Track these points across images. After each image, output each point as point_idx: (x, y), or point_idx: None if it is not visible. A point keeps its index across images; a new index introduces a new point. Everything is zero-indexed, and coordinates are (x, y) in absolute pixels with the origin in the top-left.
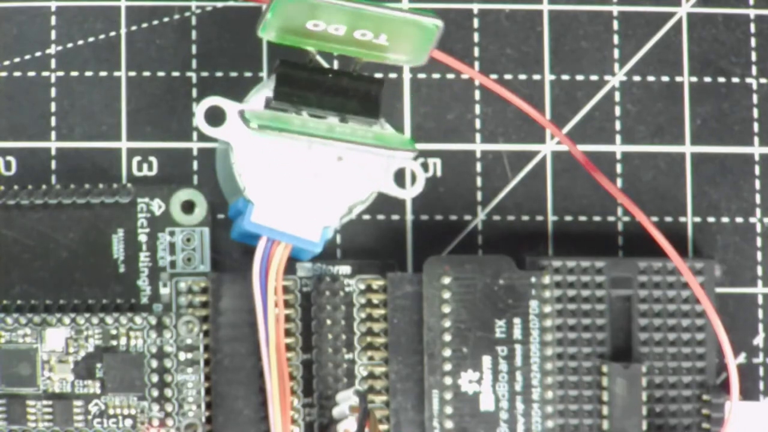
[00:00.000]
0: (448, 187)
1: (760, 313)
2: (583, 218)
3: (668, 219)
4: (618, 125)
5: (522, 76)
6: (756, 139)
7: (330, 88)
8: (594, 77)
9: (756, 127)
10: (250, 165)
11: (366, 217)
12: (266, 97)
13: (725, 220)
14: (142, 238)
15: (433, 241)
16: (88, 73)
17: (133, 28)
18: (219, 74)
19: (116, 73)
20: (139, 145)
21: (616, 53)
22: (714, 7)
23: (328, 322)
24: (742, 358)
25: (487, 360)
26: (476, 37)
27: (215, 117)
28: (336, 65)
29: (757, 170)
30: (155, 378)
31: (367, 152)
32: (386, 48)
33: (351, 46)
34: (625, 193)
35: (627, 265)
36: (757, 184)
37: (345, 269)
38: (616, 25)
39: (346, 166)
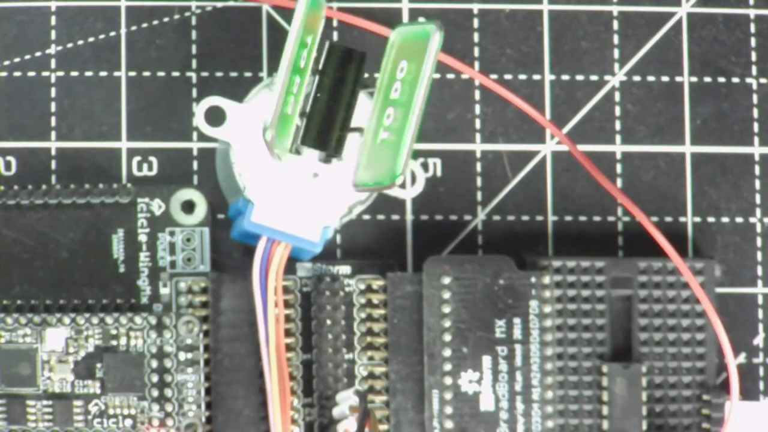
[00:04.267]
0: (448, 187)
1: (760, 313)
2: (583, 218)
3: (668, 219)
4: (618, 125)
5: (522, 76)
6: (756, 139)
7: (331, 96)
8: (594, 77)
9: (756, 127)
10: (250, 165)
11: (366, 217)
12: (322, 160)
13: (725, 220)
14: (142, 238)
15: (433, 241)
16: (88, 73)
17: (133, 28)
18: (219, 74)
19: (116, 73)
20: (139, 145)
21: (616, 53)
22: (714, 7)
23: (328, 322)
24: (742, 358)
25: (487, 360)
26: (476, 37)
27: (215, 117)
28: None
29: (757, 170)
30: (155, 378)
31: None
32: (314, 36)
33: (307, 71)
34: (625, 193)
35: (627, 265)
36: (757, 184)
37: (345, 269)
38: (616, 25)
39: (345, 166)
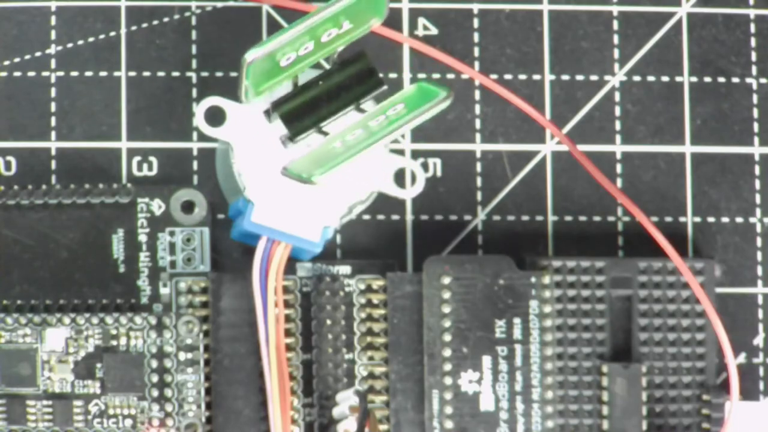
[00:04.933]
0: (448, 187)
1: (760, 313)
2: (583, 218)
3: (668, 219)
4: (618, 125)
5: (522, 76)
6: (756, 139)
7: (328, 92)
8: (594, 77)
9: (756, 127)
10: (250, 165)
11: (366, 217)
12: (282, 139)
13: (725, 220)
14: (142, 238)
15: (433, 241)
16: (88, 73)
17: (133, 28)
18: (219, 74)
19: (116, 73)
20: (139, 145)
21: (616, 53)
22: (714, 7)
23: (328, 322)
24: (742, 358)
25: (487, 360)
26: (476, 37)
27: (215, 117)
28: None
29: (757, 170)
30: (155, 378)
31: (410, 125)
32: (352, 29)
33: (323, 49)
34: (625, 193)
35: (627, 265)
36: (757, 184)
37: (345, 269)
38: (616, 25)
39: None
